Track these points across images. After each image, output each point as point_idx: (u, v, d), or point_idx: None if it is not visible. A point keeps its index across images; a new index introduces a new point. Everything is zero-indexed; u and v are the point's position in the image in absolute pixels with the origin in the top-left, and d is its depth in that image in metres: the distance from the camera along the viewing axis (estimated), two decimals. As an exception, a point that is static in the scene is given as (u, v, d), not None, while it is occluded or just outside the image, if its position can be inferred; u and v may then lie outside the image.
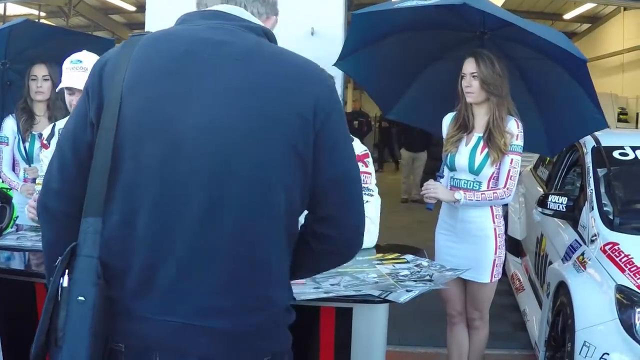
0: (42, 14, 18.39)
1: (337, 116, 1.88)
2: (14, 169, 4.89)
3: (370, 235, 3.03)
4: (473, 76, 3.94)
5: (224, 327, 1.74)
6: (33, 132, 4.80)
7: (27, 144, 4.82)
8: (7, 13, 16.95)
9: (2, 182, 4.50)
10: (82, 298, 1.69)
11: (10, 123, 4.87)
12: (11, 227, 3.60)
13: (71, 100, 3.79)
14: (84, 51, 3.89)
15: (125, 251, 1.75)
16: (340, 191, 1.89)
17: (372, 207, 3.14)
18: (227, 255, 1.75)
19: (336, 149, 1.87)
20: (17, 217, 3.76)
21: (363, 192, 3.12)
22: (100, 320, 1.70)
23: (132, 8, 18.20)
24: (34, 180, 4.57)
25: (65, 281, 1.71)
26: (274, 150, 1.77)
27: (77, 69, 3.75)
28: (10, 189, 3.65)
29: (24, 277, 2.99)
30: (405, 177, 13.02)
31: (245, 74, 1.79)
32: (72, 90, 3.76)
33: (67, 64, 3.81)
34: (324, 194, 1.88)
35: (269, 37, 1.94)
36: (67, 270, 1.73)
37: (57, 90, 4.24)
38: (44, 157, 4.04)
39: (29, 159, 4.79)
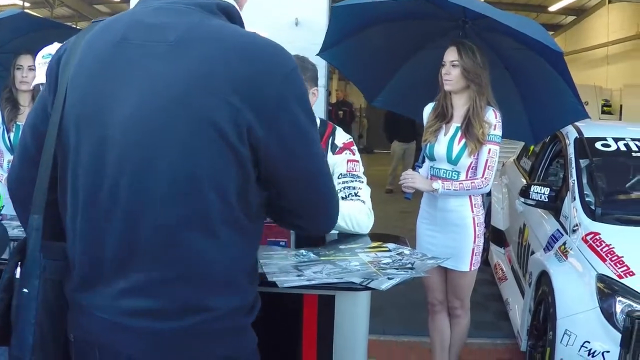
0: (27, 4, 18.28)
1: (293, 106, 1.70)
2: (-3, 160, 4.88)
3: (367, 221, 3.02)
4: (453, 65, 3.97)
5: (153, 327, 1.67)
6: (17, 122, 4.77)
7: (11, 135, 4.79)
8: (-8, 3, 16.85)
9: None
10: (26, 290, 1.72)
11: (-7, 113, 4.85)
12: (-4, 217, 3.59)
13: None
14: (55, 43, 3.84)
15: (74, 246, 1.75)
16: (303, 189, 1.79)
17: (366, 193, 3.14)
18: (153, 254, 1.65)
19: (295, 142, 1.71)
20: (2, 207, 3.75)
21: (353, 180, 3.18)
22: (49, 311, 1.74)
23: (117, -2, 18.14)
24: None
25: (18, 273, 1.75)
26: (198, 144, 1.61)
27: None
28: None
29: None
30: (394, 169, 13.03)
31: (174, 59, 1.63)
32: None
33: (39, 59, 3.76)
34: (284, 188, 1.77)
35: (229, 13, 1.78)
36: (20, 263, 1.76)
37: (32, 87, 4.20)
38: None
39: (13, 150, 4.77)
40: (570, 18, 20.32)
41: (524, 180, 6.21)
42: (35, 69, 4.69)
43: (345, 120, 17.69)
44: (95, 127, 1.67)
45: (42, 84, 3.71)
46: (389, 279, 2.30)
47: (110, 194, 1.66)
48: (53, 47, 3.76)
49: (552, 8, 18.58)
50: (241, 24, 1.81)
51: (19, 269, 1.75)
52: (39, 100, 1.87)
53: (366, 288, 2.28)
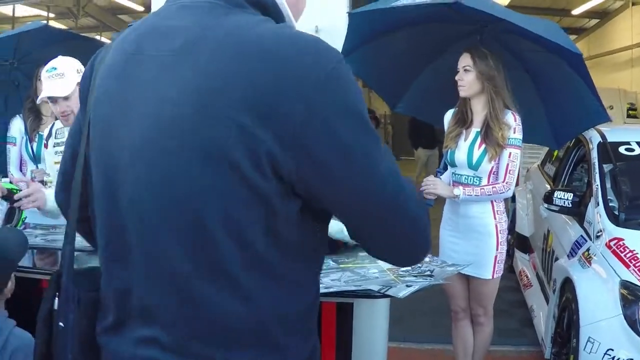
0: (51, 15, 18.47)
1: (332, 116, 1.33)
2: (21, 169, 4.93)
3: None
4: (465, 70, 3.97)
5: None
6: (40, 133, 4.82)
7: (34, 144, 4.85)
8: (16, 15, 17.04)
9: (10, 182, 4.53)
10: (62, 324, 1.61)
11: (17, 123, 4.90)
12: (20, 227, 3.63)
13: (56, 109, 3.73)
14: (59, 57, 3.84)
15: (103, 285, 1.61)
16: (364, 221, 1.46)
17: None
18: (171, 307, 1.44)
19: (336, 165, 1.35)
20: (25, 218, 3.79)
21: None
22: (85, 345, 1.61)
23: (140, 8, 18.22)
24: (41, 182, 4.59)
25: (56, 304, 1.63)
26: (202, 182, 1.34)
27: (54, 77, 3.67)
28: (19, 190, 3.68)
29: (31, 274, 3.02)
30: (418, 175, 13.01)
31: (178, 74, 1.36)
32: (53, 99, 3.69)
33: (43, 73, 3.74)
34: (345, 221, 1.47)
35: (261, 4, 1.46)
36: (57, 294, 1.63)
37: (37, 102, 4.23)
38: (47, 155, 4.08)
39: (36, 159, 4.82)
40: (594, 21, 20.17)
41: (548, 186, 6.16)
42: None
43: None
44: (107, 160, 1.49)
45: (48, 97, 3.69)
46: (407, 286, 2.30)
47: (126, 239, 1.48)
48: (57, 61, 3.76)
49: (576, 11, 18.43)
50: (277, 17, 1.49)
51: (56, 300, 1.64)
52: (77, 118, 1.71)
53: (384, 295, 2.27)
